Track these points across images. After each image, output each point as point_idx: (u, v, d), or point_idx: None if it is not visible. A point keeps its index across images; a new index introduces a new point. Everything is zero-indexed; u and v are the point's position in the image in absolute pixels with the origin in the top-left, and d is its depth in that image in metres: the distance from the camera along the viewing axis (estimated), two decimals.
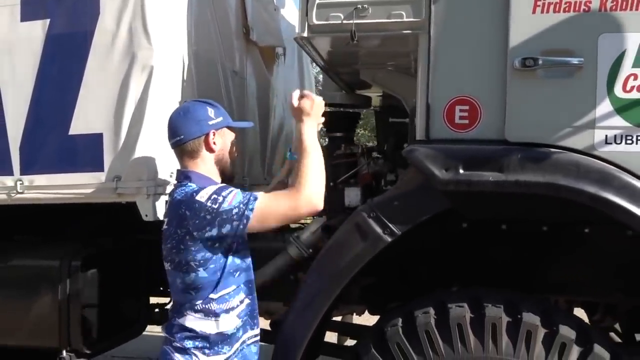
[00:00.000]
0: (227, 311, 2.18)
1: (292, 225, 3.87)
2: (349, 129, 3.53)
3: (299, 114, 2.26)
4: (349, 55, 3.05)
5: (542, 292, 2.74)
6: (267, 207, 2.12)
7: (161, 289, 3.52)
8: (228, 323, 2.19)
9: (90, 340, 3.06)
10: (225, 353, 2.19)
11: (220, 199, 2.08)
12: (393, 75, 3.24)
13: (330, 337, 3.64)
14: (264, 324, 3.29)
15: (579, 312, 3.50)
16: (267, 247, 3.10)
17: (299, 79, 5.04)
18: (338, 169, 3.21)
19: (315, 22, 2.48)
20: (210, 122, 2.25)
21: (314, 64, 4.26)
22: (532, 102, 2.30)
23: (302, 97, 2.28)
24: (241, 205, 2.08)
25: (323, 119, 2.38)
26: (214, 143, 2.25)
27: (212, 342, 2.17)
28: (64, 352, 3.02)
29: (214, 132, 2.25)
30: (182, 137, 2.24)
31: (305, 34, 2.53)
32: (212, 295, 2.15)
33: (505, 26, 2.29)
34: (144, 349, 4.61)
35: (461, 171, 2.32)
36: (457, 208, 2.43)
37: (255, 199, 2.11)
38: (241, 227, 2.08)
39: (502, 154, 2.31)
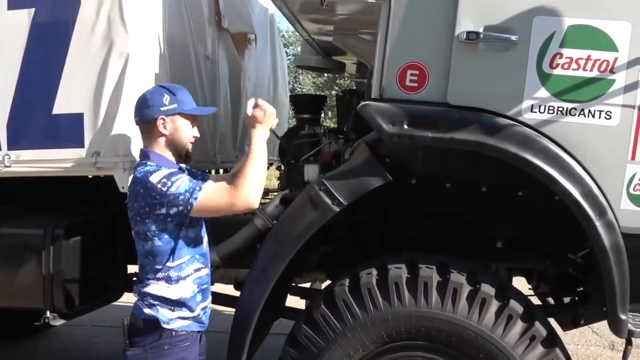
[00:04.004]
0: (184, 278, 2.46)
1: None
2: (315, 111, 3.81)
3: (251, 121, 2.50)
4: (322, 21, 3.32)
5: (482, 258, 3.06)
6: (208, 200, 2.36)
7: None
8: (185, 289, 2.46)
9: (72, 302, 3.27)
10: (185, 314, 2.46)
11: (169, 183, 2.33)
12: (361, 42, 3.51)
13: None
14: (229, 289, 3.58)
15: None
16: (235, 219, 3.40)
17: (272, 63, 5.30)
18: (302, 148, 3.50)
19: None
20: (162, 109, 2.45)
21: (288, 53, 4.55)
22: (472, 71, 2.61)
23: (256, 106, 2.50)
24: (187, 193, 2.33)
25: (277, 121, 2.58)
26: (164, 127, 2.46)
27: (174, 304, 2.44)
28: (48, 312, 3.24)
29: (162, 118, 2.45)
30: (137, 118, 2.51)
31: None
32: (169, 264, 2.42)
33: (455, 3, 2.58)
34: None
35: (405, 127, 2.61)
36: (405, 163, 2.72)
37: (200, 189, 2.35)
38: (185, 212, 2.35)
39: (442, 114, 2.61)
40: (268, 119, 2.51)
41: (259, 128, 2.49)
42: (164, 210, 2.35)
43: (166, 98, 2.47)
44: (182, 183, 2.35)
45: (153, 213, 2.36)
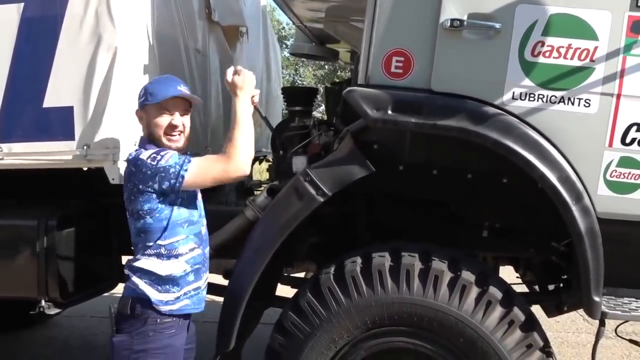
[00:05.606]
0: (176, 256, 2.53)
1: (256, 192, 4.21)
2: (307, 103, 3.85)
3: (232, 88, 2.59)
4: (313, 8, 3.37)
5: (468, 247, 3.09)
6: (200, 170, 2.46)
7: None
8: (176, 267, 2.53)
9: (66, 292, 3.34)
10: (174, 292, 2.53)
11: (159, 157, 2.44)
12: (352, 29, 3.54)
13: None
14: (220, 279, 3.63)
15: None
16: (227, 210, 3.45)
17: (264, 56, 5.33)
18: (292, 140, 3.54)
19: None
20: (139, 101, 2.60)
21: (288, 45, 4.60)
22: (456, 58, 2.64)
23: (235, 73, 2.60)
24: (177, 166, 2.42)
25: (257, 91, 2.69)
26: (140, 118, 2.60)
27: (162, 281, 2.51)
28: (43, 301, 3.31)
29: (137, 111, 2.61)
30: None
31: None
32: (160, 242, 2.50)
33: None
34: None
35: (390, 112, 2.65)
36: (392, 149, 2.77)
37: (190, 161, 2.44)
38: (177, 184, 2.43)
39: (426, 101, 2.65)
40: (248, 85, 2.59)
41: (240, 95, 2.57)
42: (156, 186, 2.42)
43: (142, 90, 2.59)
44: (171, 157, 2.44)
45: (146, 190, 2.43)
